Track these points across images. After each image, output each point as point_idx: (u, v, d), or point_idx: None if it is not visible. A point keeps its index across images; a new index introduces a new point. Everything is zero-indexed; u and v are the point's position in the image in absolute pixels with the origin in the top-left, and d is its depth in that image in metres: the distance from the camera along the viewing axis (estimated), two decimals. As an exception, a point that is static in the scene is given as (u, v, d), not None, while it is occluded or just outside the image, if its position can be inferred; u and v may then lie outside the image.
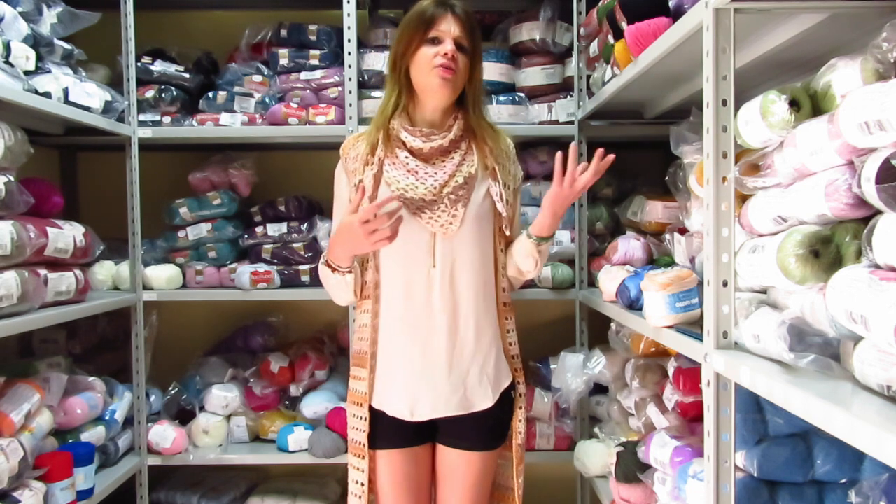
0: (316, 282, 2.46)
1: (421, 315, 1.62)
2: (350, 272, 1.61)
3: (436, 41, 1.59)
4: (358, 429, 1.68)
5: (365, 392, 1.66)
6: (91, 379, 2.27)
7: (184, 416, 2.52)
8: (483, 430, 1.68)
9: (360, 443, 1.68)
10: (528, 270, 1.70)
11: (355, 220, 1.47)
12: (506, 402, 1.69)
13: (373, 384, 1.66)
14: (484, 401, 1.65)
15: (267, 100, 2.47)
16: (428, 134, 1.62)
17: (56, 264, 1.98)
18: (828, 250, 1.05)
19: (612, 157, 1.60)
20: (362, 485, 1.67)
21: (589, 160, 2.38)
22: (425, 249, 1.62)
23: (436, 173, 1.61)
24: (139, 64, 2.45)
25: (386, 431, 1.66)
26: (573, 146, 1.66)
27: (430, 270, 1.62)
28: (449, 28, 1.59)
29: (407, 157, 1.63)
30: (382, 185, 1.63)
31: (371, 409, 1.66)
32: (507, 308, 1.73)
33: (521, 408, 1.73)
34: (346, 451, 1.75)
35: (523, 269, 1.71)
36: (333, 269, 1.62)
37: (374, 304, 1.65)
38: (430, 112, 1.66)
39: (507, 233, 1.70)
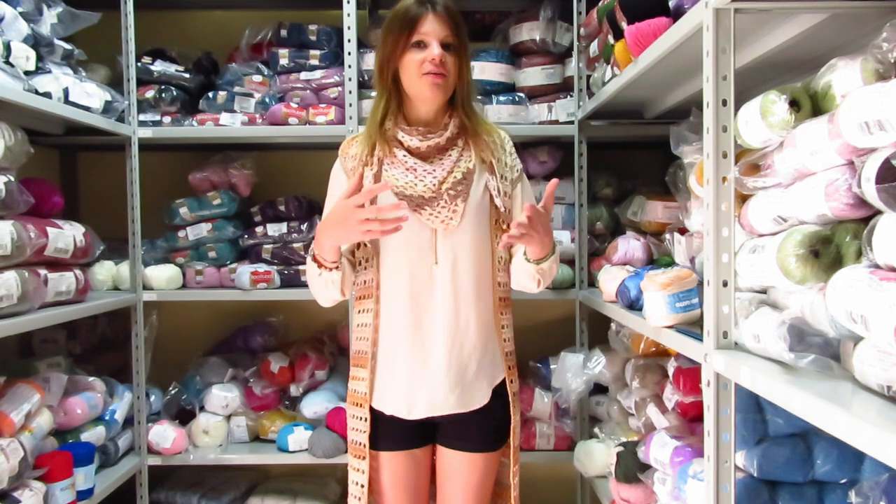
0: (316, 282, 2.47)
1: (423, 313, 1.61)
2: (337, 269, 1.58)
3: (421, 45, 1.57)
4: (358, 429, 1.68)
5: (365, 392, 1.66)
6: (91, 379, 2.27)
7: (184, 416, 2.52)
8: (484, 431, 1.68)
9: (360, 443, 1.67)
10: (532, 288, 1.68)
11: (350, 204, 1.44)
12: (505, 401, 1.69)
13: (373, 384, 1.66)
14: (481, 398, 1.64)
15: (267, 100, 2.47)
16: (424, 133, 1.62)
17: (56, 264, 1.98)
18: (828, 250, 1.05)
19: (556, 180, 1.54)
20: (362, 486, 1.66)
21: (589, 160, 2.44)
22: (427, 247, 1.61)
23: (434, 170, 1.61)
24: (139, 64, 2.45)
25: (387, 432, 1.66)
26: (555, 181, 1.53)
27: (433, 268, 1.61)
28: (433, 29, 1.57)
29: (405, 156, 1.62)
30: None
31: (371, 410, 1.66)
32: (504, 303, 1.70)
33: (516, 407, 1.72)
34: (346, 452, 1.74)
35: (527, 288, 1.69)
36: (320, 265, 1.58)
37: (375, 303, 1.64)
38: (423, 113, 1.65)
39: (505, 226, 1.67)
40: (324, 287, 1.62)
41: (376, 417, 1.65)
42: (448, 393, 1.62)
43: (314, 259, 1.60)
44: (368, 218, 1.43)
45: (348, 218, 1.45)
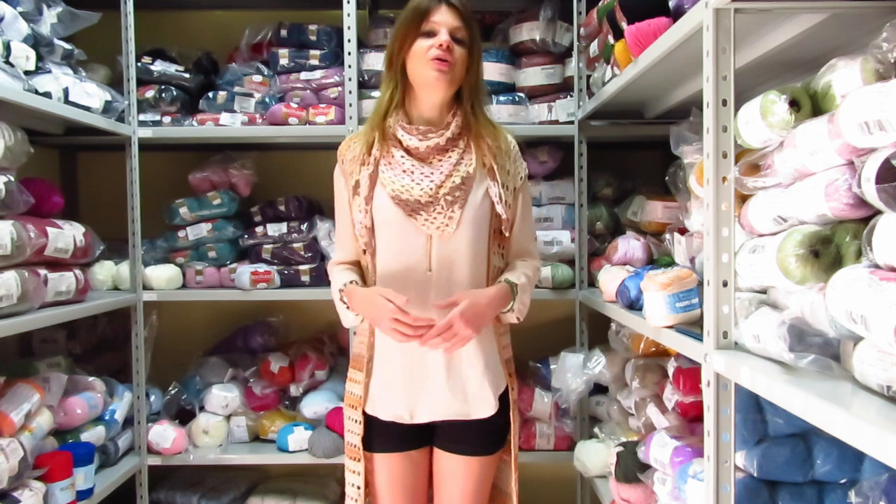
0: (316, 282, 2.46)
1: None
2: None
3: (430, 33, 1.57)
4: (353, 431, 1.67)
5: (360, 395, 1.65)
6: (91, 379, 2.27)
7: (184, 416, 2.52)
8: (482, 435, 1.66)
9: (355, 445, 1.67)
10: (514, 321, 1.68)
11: (388, 312, 1.49)
12: (504, 406, 1.67)
13: (367, 388, 1.65)
14: (486, 408, 1.62)
15: (267, 100, 2.47)
16: (424, 132, 1.60)
17: (56, 264, 1.98)
18: (828, 250, 1.06)
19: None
20: (358, 488, 1.66)
21: (589, 160, 2.44)
22: (421, 252, 1.59)
23: (432, 174, 1.58)
24: (139, 64, 2.45)
25: (383, 435, 1.65)
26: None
27: (427, 274, 1.59)
28: (443, 19, 1.57)
29: (403, 157, 1.60)
30: (378, 186, 1.61)
31: (365, 414, 1.65)
32: None
33: (516, 415, 1.71)
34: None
35: (513, 321, 1.69)
36: (348, 306, 1.64)
37: (371, 307, 1.64)
38: (427, 108, 1.63)
39: (507, 234, 1.67)
40: (344, 314, 1.68)
41: (371, 420, 1.65)
42: (451, 398, 1.61)
43: (340, 299, 1.65)
44: (399, 329, 1.50)
45: (383, 316, 1.51)
